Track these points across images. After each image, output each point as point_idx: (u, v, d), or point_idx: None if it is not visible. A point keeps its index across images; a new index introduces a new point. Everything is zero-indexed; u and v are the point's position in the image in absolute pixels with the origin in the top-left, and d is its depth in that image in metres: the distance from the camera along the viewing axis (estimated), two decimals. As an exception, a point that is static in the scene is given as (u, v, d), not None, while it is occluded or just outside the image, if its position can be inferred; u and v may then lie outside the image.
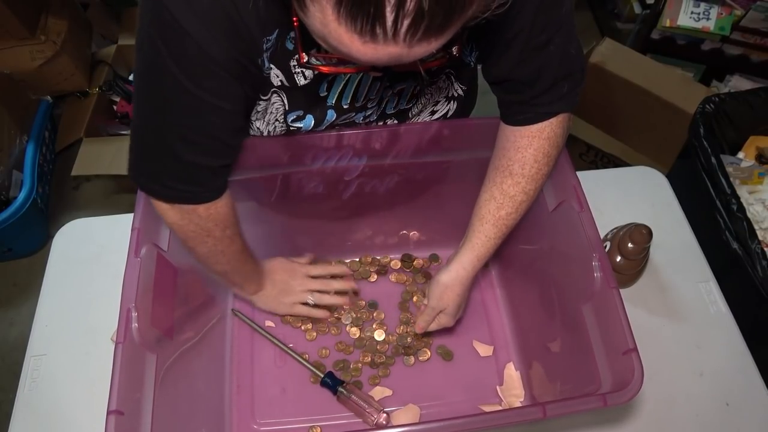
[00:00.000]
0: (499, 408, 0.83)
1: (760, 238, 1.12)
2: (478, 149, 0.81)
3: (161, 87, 0.56)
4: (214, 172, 0.65)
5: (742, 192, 1.25)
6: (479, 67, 0.73)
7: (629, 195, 1.01)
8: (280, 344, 0.87)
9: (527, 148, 0.69)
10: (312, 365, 0.86)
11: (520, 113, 0.68)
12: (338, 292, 0.89)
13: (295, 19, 0.54)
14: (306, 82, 0.65)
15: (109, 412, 0.56)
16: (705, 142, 1.21)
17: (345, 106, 0.70)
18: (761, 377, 0.84)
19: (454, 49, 0.55)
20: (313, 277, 0.89)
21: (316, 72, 0.64)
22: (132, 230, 0.67)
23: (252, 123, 0.72)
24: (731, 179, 1.18)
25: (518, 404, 0.83)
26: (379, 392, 0.84)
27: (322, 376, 0.83)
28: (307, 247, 0.94)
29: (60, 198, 1.92)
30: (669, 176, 1.05)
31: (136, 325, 0.62)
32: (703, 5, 1.75)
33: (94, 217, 0.99)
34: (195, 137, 0.60)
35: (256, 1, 0.53)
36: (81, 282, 0.92)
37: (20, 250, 1.76)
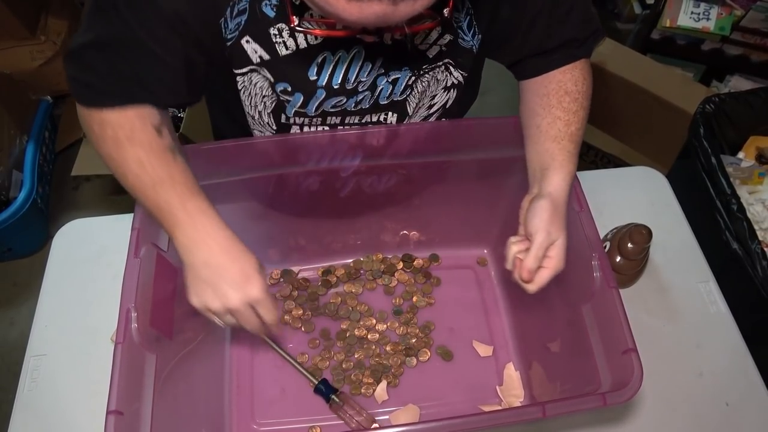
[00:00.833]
0: (499, 408, 0.83)
1: (760, 238, 1.12)
2: (478, 149, 0.81)
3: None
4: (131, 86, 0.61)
5: (742, 192, 1.25)
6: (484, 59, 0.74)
7: (629, 195, 1.01)
8: (277, 348, 0.87)
9: (573, 69, 0.71)
10: (310, 368, 0.86)
11: (553, 62, 0.72)
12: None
13: None
14: (288, 52, 0.64)
15: (108, 413, 0.56)
16: (705, 142, 1.21)
17: (335, 86, 0.69)
18: (761, 377, 0.84)
19: (446, 11, 0.54)
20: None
21: (298, 43, 0.63)
22: (132, 230, 0.67)
23: (247, 108, 0.72)
24: (731, 179, 1.18)
25: (518, 404, 0.83)
26: (379, 395, 0.84)
27: (316, 382, 0.82)
28: (306, 247, 0.94)
29: (60, 198, 1.92)
30: (669, 176, 1.05)
31: (136, 325, 0.62)
32: (703, 5, 1.75)
33: (94, 217, 0.99)
34: (113, 50, 0.59)
35: None
36: (81, 282, 0.92)
37: (20, 250, 1.76)
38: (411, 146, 0.78)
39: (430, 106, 0.77)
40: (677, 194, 1.03)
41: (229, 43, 0.63)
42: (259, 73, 0.67)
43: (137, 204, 0.69)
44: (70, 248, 0.95)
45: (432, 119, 0.78)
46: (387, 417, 0.83)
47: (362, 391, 0.84)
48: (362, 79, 0.69)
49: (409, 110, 0.76)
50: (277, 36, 0.63)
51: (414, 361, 0.87)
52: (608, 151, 1.82)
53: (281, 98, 0.70)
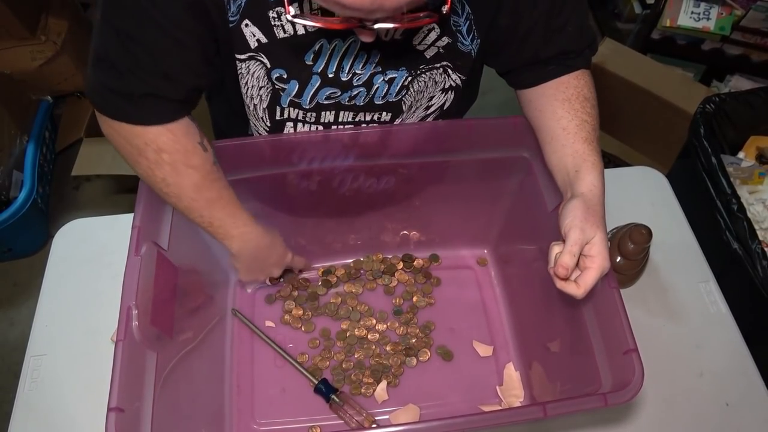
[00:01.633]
0: (499, 408, 0.83)
1: (760, 238, 1.12)
2: (478, 149, 0.81)
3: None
4: (152, 95, 0.63)
5: (743, 192, 1.25)
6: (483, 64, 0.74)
7: (629, 195, 1.01)
8: (277, 347, 0.87)
9: (584, 76, 0.73)
10: (310, 368, 0.86)
11: (559, 68, 0.73)
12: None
13: None
14: (285, 35, 0.65)
15: (109, 410, 0.56)
16: (705, 142, 1.21)
17: (330, 75, 0.69)
18: (761, 377, 0.84)
19: (444, 8, 0.54)
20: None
21: (296, 28, 0.64)
22: (132, 228, 0.67)
23: (244, 98, 0.72)
24: (731, 179, 1.18)
25: (518, 404, 0.83)
26: (379, 395, 0.84)
27: (316, 382, 0.83)
28: (306, 247, 0.94)
29: (60, 198, 1.92)
30: (669, 176, 1.05)
31: (137, 322, 0.62)
32: (703, 5, 1.75)
33: (94, 217, 0.99)
34: (136, 55, 0.60)
35: None
36: (81, 282, 0.92)
37: (20, 250, 1.76)
38: (411, 146, 0.78)
39: (428, 107, 0.77)
40: (677, 194, 1.03)
41: (231, 26, 0.64)
42: (257, 60, 0.67)
43: (138, 202, 0.69)
44: (70, 248, 0.95)
45: (429, 120, 0.78)
46: (387, 417, 0.83)
47: (362, 391, 0.84)
48: (357, 72, 0.69)
49: (404, 108, 0.76)
50: (276, 19, 0.63)
51: (414, 361, 0.87)
52: (608, 151, 1.82)
53: (276, 87, 0.70)
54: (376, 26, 0.51)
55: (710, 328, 0.89)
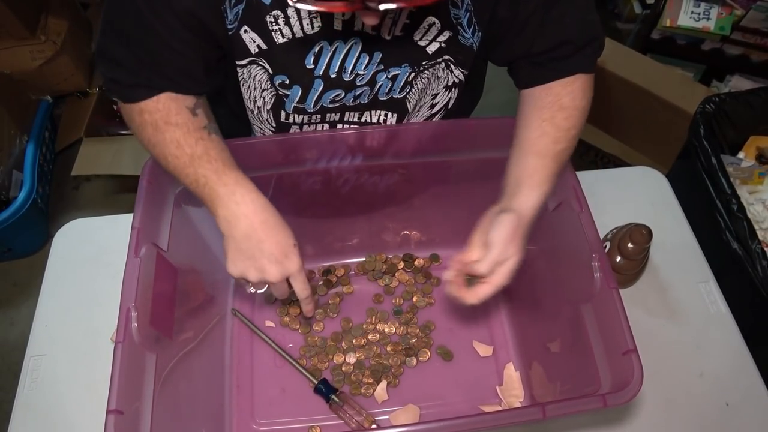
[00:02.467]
0: (499, 408, 0.83)
1: (760, 238, 1.12)
2: (479, 149, 0.81)
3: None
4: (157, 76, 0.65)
5: (743, 192, 1.25)
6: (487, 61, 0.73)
7: (629, 195, 1.01)
8: (277, 348, 0.87)
9: (573, 83, 0.70)
10: (310, 368, 0.86)
11: (550, 71, 0.71)
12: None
13: None
14: (284, 40, 0.65)
15: (108, 412, 0.56)
16: (705, 142, 1.21)
17: (332, 76, 0.69)
18: (761, 377, 0.84)
19: None
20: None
21: (294, 31, 0.64)
22: (132, 229, 0.67)
23: (246, 103, 0.72)
24: (731, 179, 1.18)
25: (518, 404, 0.83)
26: (379, 395, 0.84)
27: (316, 382, 0.83)
28: (306, 247, 0.94)
29: (60, 198, 1.92)
30: (669, 176, 1.05)
31: (136, 324, 0.62)
32: (703, 5, 1.76)
33: (94, 217, 0.99)
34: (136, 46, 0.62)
35: None
36: (81, 282, 0.92)
37: (20, 250, 1.76)
38: (412, 146, 0.78)
39: (432, 106, 0.77)
40: (677, 194, 1.03)
41: (230, 33, 0.64)
42: (258, 65, 0.67)
43: (137, 203, 0.69)
44: (70, 248, 0.95)
45: (435, 119, 0.78)
46: (387, 417, 0.83)
47: (362, 391, 0.84)
48: (360, 72, 0.69)
49: (409, 108, 0.76)
50: (273, 23, 0.63)
51: (414, 361, 0.87)
52: (608, 151, 1.82)
53: (280, 92, 0.70)
54: (381, 6, 0.50)
55: (710, 328, 0.89)
